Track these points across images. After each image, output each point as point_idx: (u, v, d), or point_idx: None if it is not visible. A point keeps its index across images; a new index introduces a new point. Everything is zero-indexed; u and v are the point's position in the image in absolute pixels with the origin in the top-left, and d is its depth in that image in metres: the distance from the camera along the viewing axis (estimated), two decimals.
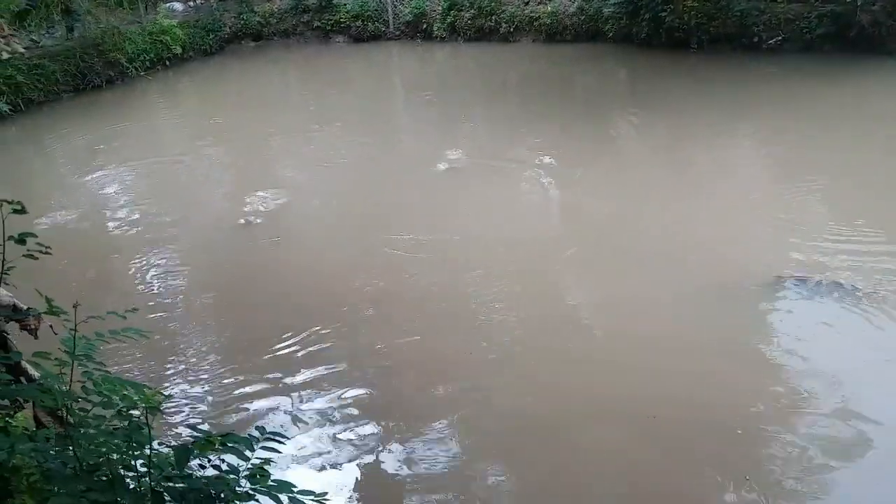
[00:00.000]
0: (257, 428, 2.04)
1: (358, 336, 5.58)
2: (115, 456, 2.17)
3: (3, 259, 2.93)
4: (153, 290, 6.52)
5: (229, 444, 1.89)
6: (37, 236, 2.86)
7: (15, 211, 2.85)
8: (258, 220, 7.70)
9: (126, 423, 2.23)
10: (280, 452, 2.03)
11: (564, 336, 5.40)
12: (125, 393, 2.50)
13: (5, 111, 12.10)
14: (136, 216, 8.21)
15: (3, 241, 2.88)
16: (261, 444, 1.97)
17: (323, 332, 5.54)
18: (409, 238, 7.09)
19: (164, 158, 10.32)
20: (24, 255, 2.88)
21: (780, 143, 8.79)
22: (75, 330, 2.95)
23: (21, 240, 2.82)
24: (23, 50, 12.06)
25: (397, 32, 16.11)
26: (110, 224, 8.18)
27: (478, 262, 6.57)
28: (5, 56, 11.77)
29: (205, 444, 1.93)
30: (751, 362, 4.91)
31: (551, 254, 6.64)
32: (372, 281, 6.35)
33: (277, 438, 2.03)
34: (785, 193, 7.34)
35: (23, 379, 3.64)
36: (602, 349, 5.21)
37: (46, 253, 2.95)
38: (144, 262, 7.05)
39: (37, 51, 13.66)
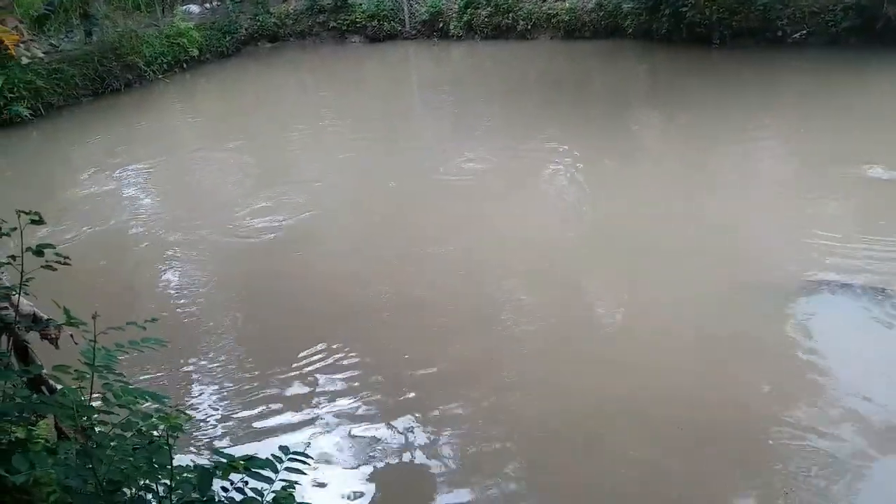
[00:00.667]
0: (281, 448, 1.97)
1: (379, 342, 5.48)
2: (136, 475, 2.11)
3: (23, 270, 2.90)
4: (173, 295, 6.48)
5: (252, 469, 1.81)
6: (55, 247, 2.82)
7: (33, 221, 2.81)
8: (277, 223, 7.65)
9: (147, 442, 2.16)
10: (305, 474, 1.95)
11: (588, 338, 5.30)
12: (146, 410, 2.45)
13: (26, 116, 12.20)
14: (156, 219, 8.21)
15: (22, 252, 2.85)
16: (285, 466, 1.90)
17: (344, 338, 5.47)
18: (428, 239, 7.03)
19: (182, 161, 10.34)
20: (42, 267, 2.84)
21: (806, 140, 8.59)
22: (94, 341, 2.91)
23: (39, 251, 2.78)
24: (42, 55, 12.04)
25: (413, 32, 16.04)
26: (130, 228, 8.15)
27: (498, 262, 6.49)
28: (25, 61, 11.78)
29: (227, 468, 1.85)
30: (780, 369, 4.76)
31: (571, 254, 6.55)
32: (391, 284, 6.27)
33: (302, 459, 1.95)
34: (812, 192, 7.16)
35: (44, 389, 3.62)
36: (625, 351, 5.07)
37: (65, 264, 2.91)
38: (164, 266, 7.04)
39: (56, 55, 13.73)
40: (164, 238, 7.70)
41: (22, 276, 2.90)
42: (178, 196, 9.08)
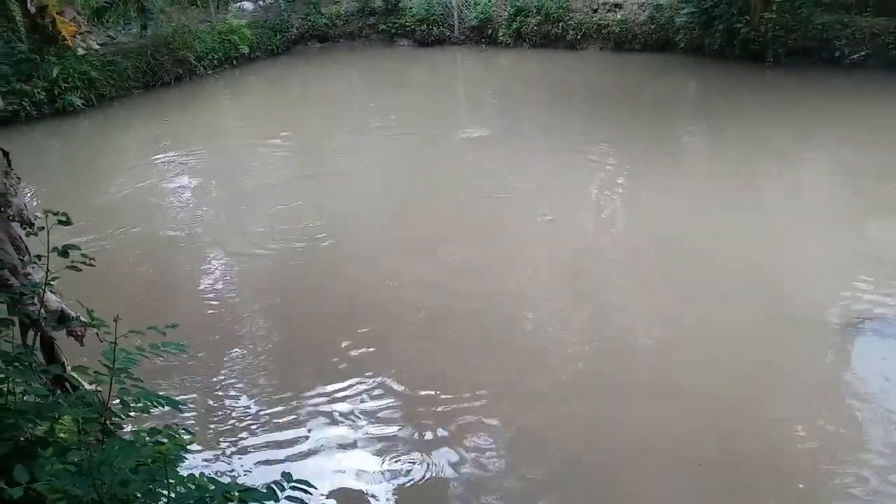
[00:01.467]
0: (283, 475, 1.92)
1: (409, 357, 5.43)
2: (138, 494, 2.08)
3: (48, 269, 2.92)
4: (205, 294, 6.51)
5: (249, 502, 1.76)
6: (80, 249, 2.83)
7: (60, 222, 2.83)
8: (316, 223, 7.66)
9: (151, 460, 2.13)
10: (307, 503, 1.90)
11: (618, 362, 5.15)
12: (157, 421, 2.44)
13: (78, 105, 12.47)
14: (194, 216, 8.30)
15: (48, 252, 2.86)
16: (286, 494, 1.84)
17: (370, 347, 5.43)
18: (465, 251, 6.95)
19: (226, 155, 10.47)
20: (67, 267, 2.86)
21: (860, 167, 8.29)
22: (115, 343, 2.91)
23: (64, 252, 2.79)
24: (97, 46, 12.32)
25: (462, 37, 16.00)
26: (168, 224, 8.27)
27: (537, 278, 6.40)
28: (81, 52, 12.05)
29: (223, 499, 1.81)
30: (818, 408, 4.57)
31: (612, 272, 6.41)
32: (426, 294, 6.21)
33: (304, 488, 1.90)
34: (860, 220, 6.92)
35: (68, 386, 3.65)
36: (658, 378, 4.90)
37: (90, 265, 2.92)
38: (201, 263, 7.10)
39: (111, 47, 14.03)
40: (201, 236, 7.77)
41: (47, 275, 2.92)
42: (219, 192, 9.17)
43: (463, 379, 5.00)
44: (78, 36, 12.55)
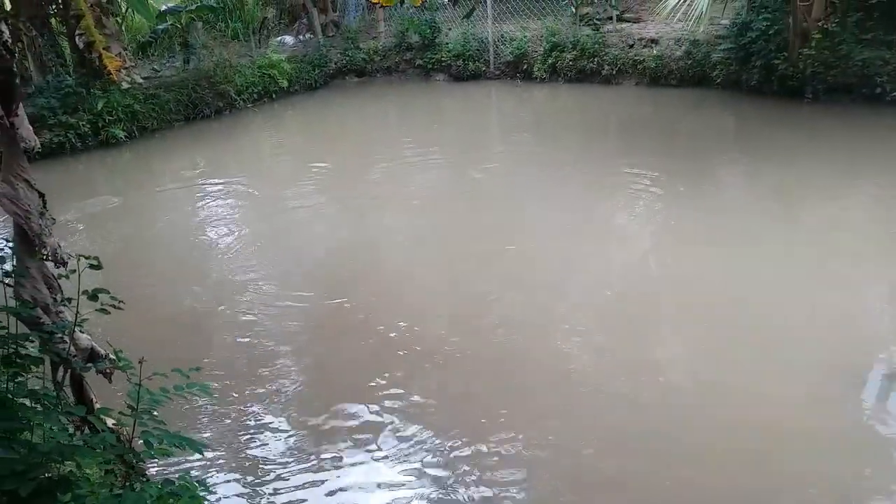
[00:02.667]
0: None
1: (433, 384, 5.41)
2: None
3: (77, 311, 2.97)
4: (236, 321, 6.58)
5: None
6: (109, 292, 2.88)
7: (91, 266, 2.88)
8: (347, 253, 7.72)
9: None
10: None
11: (658, 418, 5.05)
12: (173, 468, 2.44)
13: (121, 137, 12.80)
14: (228, 249, 8.42)
15: (78, 295, 2.92)
16: None
17: (404, 383, 5.42)
18: (500, 286, 6.93)
19: (264, 186, 10.62)
20: (96, 310, 2.90)
21: None
22: (140, 385, 2.94)
23: (94, 295, 2.84)
24: (141, 80, 12.72)
25: (497, 72, 16.12)
26: (202, 253, 8.41)
27: (570, 313, 6.34)
28: (125, 86, 12.48)
29: None
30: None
31: (647, 314, 6.29)
32: (458, 328, 6.19)
33: None
34: None
35: (95, 426, 3.68)
36: (698, 440, 4.76)
37: (119, 308, 2.96)
38: (232, 294, 7.17)
39: (154, 81, 14.42)
40: (233, 265, 7.87)
41: (76, 318, 2.98)
42: (253, 222, 9.28)
43: (495, 413, 4.95)
44: (123, 70, 12.93)
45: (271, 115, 15.21)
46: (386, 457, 4.65)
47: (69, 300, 2.99)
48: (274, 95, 15.74)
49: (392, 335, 6.12)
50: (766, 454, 4.43)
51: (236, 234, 8.85)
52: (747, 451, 4.48)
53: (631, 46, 14.69)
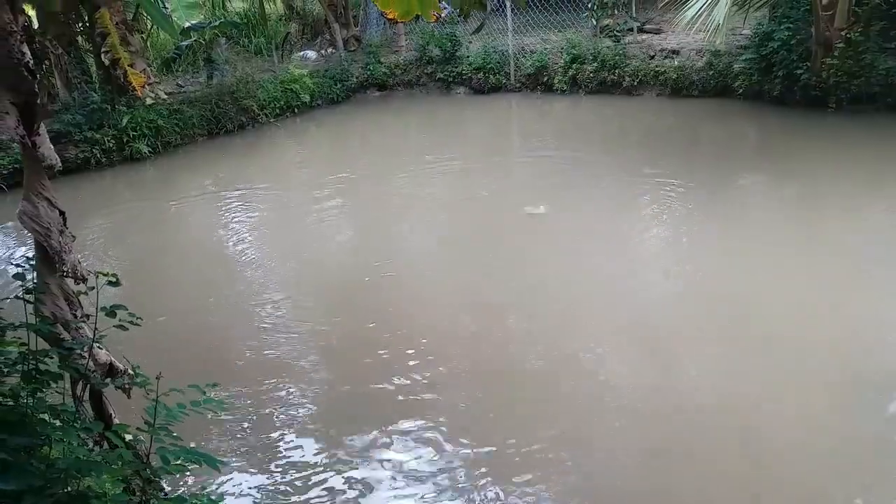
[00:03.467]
0: None
1: (461, 405, 5.40)
2: None
3: (95, 327, 3.00)
4: (257, 335, 6.62)
5: None
6: (127, 308, 2.91)
7: (110, 283, 2.92)
8: (367, 267, 7.75)
9: None
10: None
11: (665, 430, 5.00)
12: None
13: (145, 152, 12.98)
14: (255, 255, 8.52)
15: (97, 312, 2.95)
16: None
17: (425, 395, 5.42)
18: (518, 298, 6.92)
19: (286, 199, 10.73)
20: (114, 326, 2.93)
21: None
22: (157, 400, 2.96)
23: (111, 312, 2.88)
24: (165, 96, 12.95)
25: (518, 85, 16.13)
26: (228, 265, 8.49)
27: (589, 327, 6.31)
28: (149, 101, 12.71)
29: None
30: None
31: (669, 327, 6.23)
32: (473, 344, 6.19)
33: None
34: None
35: (113, 441, 3.72)
36: (722, 455, 4.72)
37: (136, 324, 2.99)
38: (256, 301, 7.23)
39: (178, 96, 14.62)
40: (255, 279, 7.93)
41: (95, 334, 3.01)
42: (276, 235, 9.36)
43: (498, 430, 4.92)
44: (147, 86, 13.08)
45: (293, 130, 15.34)
46: (408, 474, 4.65)
47: (87, 317, 3.02)
48: (296, 110, 15.87)
49: (411, 351, 6.11)
50: (784, 469, 4.37)
51: (257, 247, 8.94)
52: (767, 468, 4.42)
53: (652, 58, 14.64)
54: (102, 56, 11.62)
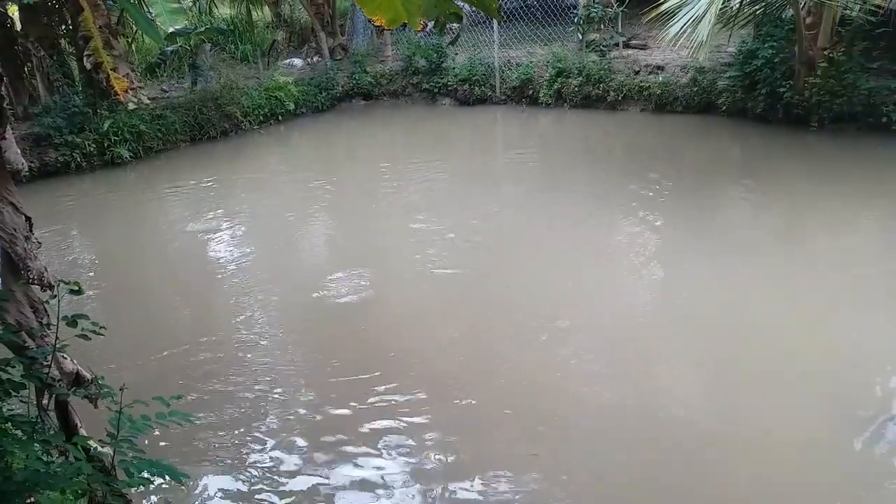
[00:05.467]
0: None
1: (439, 415, 5.34)
2: None
3: (56, 336, 2.93)
4: (238, 345, 6.54)
5: None
6: (88, 318, 2.84)
7: (72, 292, 2.85)
8: (352, 283, 7.68)
9: None
10: None
11: (647, 453, 4.97)
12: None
13: (126, 157, 12.86)
14: (233, 269, 8.41)
15: (58, 321, 2.88)
16: None
17: (392, 396, 5.35)
18: (496, 313, 6.88)
19: (269, 210, 10.63)
20: (76, 336, 2.86)
21: None
22: (120, 412, 2.89)
23: (73, 322, 2.80)
24: (148, 101, 12.81)
25: (503, 97, 16.15)
26: (205, 274, 8.39)
27: (564, 343, 6.27)
28: (132, 106, 12.54)
29: None
30: None
31: (642, 352, 6.15)
32: (461, 362, 6.13)
33: None
34: None
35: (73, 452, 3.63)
36: (697, 472, 4.71)
37: (99, 334, 2.92)
38: (241, 311, 7.14)
39: (161, 101, 14.52)
40: (240, 281, 7.84)
41: (56, 342, 2.94)
42: (258, 243, 9.27)
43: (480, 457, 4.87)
44: (130, 91, 12.95)
45: (277, 137, 15.26)
46: (389, 490, 4.58)
47: (48, 325, 2.95)
48: (280, 118, 15.79)
49: (394, 355, 6.06)
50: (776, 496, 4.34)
51: (237, 255, 8.85)
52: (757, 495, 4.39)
53: (637, 73, 14.71)
54: (85, 59, 11.46)
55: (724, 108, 13.25)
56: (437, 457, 4.86)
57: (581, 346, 6.29)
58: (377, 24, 3.79)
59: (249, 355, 6.36)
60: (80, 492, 2.78)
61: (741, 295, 6.91)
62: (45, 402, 3.55)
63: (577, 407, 5.44)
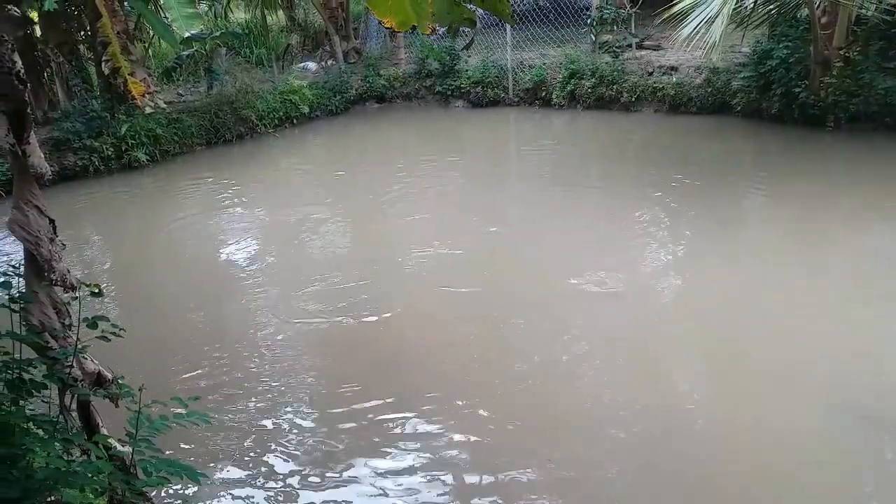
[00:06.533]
0: None
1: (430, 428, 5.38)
2: None
3: (77, 338, 2.99)
4: (249, 346, 6.61)
5: None
6: (108, 319, 2.90)
7: (92, 294, 2.91)
8: (361, 285, 7.73)
9: None
10: None
11: (656, 449, 4.98)
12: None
13: (143, 161, 13.01)
14: (245, 273, 8.49)
15: (79, 322, 2.94)
16: None
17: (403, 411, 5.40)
18: (509, 311, 6.91)
19: (282, 211, 10.70)
20: (97, 338, 2.92)
21: None
22: (139, 412, 2.94)
23: (93, 323, 2.87)
24: (164, 105, 12.93)
25: (516, 99, 16.18)
26: (222, 274, 8.48)
27: (577, 343, 6.29)
28: (149, 110, 12.69)
29: None
30: None
31: (656, 355, 6.14)
32: (465, 349, 6.17)
33: None
34: None
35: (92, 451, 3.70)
36: (704, 466, 4.72)
37: (118, 336, 2.98)
38: (253, 316, 7.21)
39: (177, 105, 14.67)
40: (248, 290, 7.92)
41: (77, 343, 3.00)
42: (271, 245, 9.35)
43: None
44: (147, 95, 13.11)
45: (292, 141, 15.37)
46: (401, 491, 4.62)
47: (69, 327, 3.02)
48: (295, 121, 15.91)
49: (407, 356, 6.10)
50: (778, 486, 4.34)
51: (252, 256, 8.94)
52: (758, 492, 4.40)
53: (650, 74, 14.69)
54: (103, 65, 11.57)
55: (739, 108, 13.20)
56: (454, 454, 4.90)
57: (588, 343, 6.30)
58: (387, 26, 3.84)
59: (261, 357, 6.42)
60: (100, 490, 2.83)
61: (755, 294, 6.89)
62: (67, 402, 3.63)
63: (585, 402, 5.46)
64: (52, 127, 12.90)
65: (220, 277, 8.51)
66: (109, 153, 12.78)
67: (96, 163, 12.65)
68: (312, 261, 8.87)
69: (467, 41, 14.68)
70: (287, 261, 8.86)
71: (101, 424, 3.82)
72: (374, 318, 6.99)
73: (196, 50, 15.62)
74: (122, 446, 3.14)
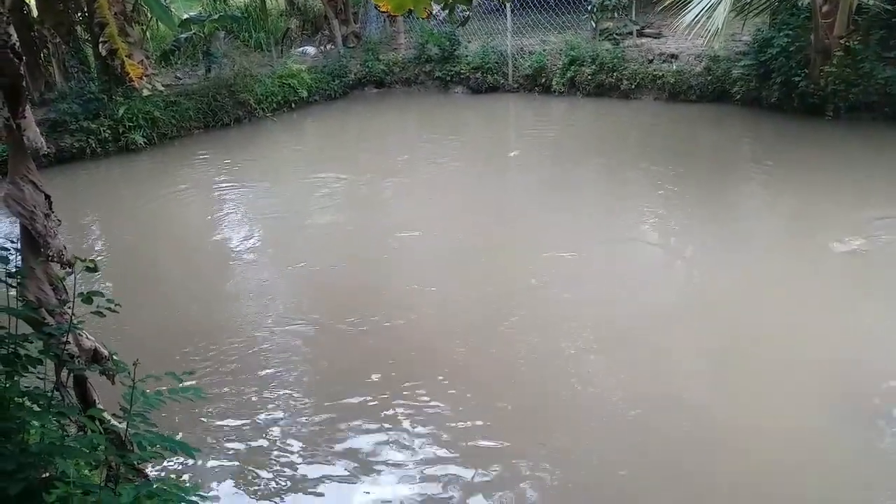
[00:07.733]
0: None
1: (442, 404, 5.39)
2: None
3: (72, 314, 2.99)
4: (252, 326, 6.61)
5: None
6: (104, 295, 2.90)
7: (88, 269, 2.91)
8: (362, 266, 7.74)
9: None
10: None
11: (654, 439, 5.00)
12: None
13: (140, 143, 12.96)
14: (242, 251, 8.49)
15: (73, 297, 2.94)
16: None
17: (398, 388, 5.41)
18: (512, 300, 6.91)
19: (281, 193, 10.71)
20: (92, 313, 2.92)
21: None
22: (133, 387, 2.94)
23: (88, 298, 2.86)
24: (162, 88, 12.89)
25: (516, 85, 16.12)
26: (218, 257, 8.47)
27: (577, 339, 6.30)
28: (146, 93, 12.64)
29: None
30: None
31: (652, 343, 6.10)
32: (470, 347, 6.18)
33: None
34: None
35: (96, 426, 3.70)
36: (702, 459, 4.73)
37: (114, 311, 2.97)
38: (252, 296, 7.22)
39: (175, 88, 14.59)
40: (252, 265, 7.92)
41: (71, 319, 3.00)
42: (267, 232, 9.34)
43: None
44: (144, 77, 13.03)
45: (290, 125, 15.32)
46: (395, 478, 4.64)
47: (64, 303, 3.01)
48: (293, 105, 15.85)
49: (404, 348, 6.11)
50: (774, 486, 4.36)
51: (249, 241, 8.92)
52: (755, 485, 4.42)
53: (650, 61, 14.64)
54: (100, 46, 11.54)
55: (739, 96, 13.17)
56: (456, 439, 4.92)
57: (587, 334, 6.30)
58: (383, 10, 3.82)
59: (258, 336, 6.43)
60: (95, 464, 2.84)
61: (753, 283, 6.90)
62: (63, 378, 3.63)
63: (583, 392, 5.48)
64: (48, 108, 12.85)
65: (215, 256, 8.52)
66: (106, 135, 12.74)
67: (93, 145, 12.61)
68: (309, 243, 8.86)
69: (463, 18, 14.59)
70: (283, 242, 8.85)
71: (97, 401, 3.82)
72: (369, 302, 7.00)
73: (194, 33, 15.51)
74: (120, 422, 3.15)
